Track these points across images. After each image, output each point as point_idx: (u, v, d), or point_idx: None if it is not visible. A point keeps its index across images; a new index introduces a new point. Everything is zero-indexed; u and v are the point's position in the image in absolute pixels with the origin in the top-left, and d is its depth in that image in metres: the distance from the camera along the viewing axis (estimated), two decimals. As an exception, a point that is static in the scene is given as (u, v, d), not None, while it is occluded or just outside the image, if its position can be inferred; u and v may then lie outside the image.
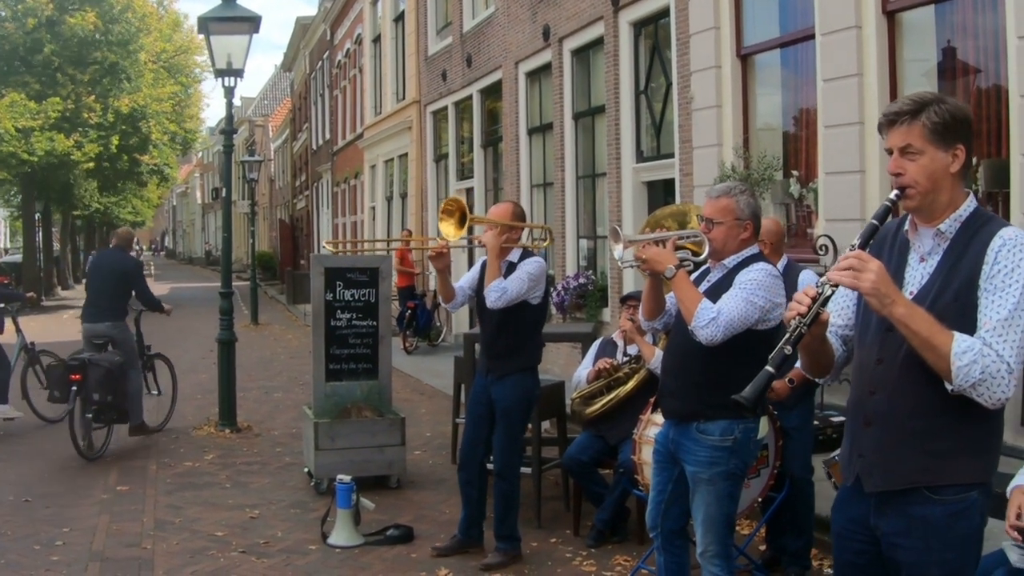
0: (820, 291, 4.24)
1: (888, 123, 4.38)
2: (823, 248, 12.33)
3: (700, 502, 6.60)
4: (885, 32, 11.91)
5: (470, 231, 9.37)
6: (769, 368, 4.28)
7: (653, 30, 17.73)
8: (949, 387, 4.12)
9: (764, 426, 6.92)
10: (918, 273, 4.42)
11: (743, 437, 6.56)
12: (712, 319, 6.28)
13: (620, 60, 18.18)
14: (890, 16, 11.91)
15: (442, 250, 9.13)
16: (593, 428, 9.98)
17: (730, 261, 6.70)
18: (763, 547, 9.25)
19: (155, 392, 16.49)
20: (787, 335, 4.26)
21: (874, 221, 4.35)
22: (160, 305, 15.89)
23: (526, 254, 9.36)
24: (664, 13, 16.85)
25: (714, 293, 6.57)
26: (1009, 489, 6.25)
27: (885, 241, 4.60)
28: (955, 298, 4.22)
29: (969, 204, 4.37)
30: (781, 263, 8.44)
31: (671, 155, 16.65)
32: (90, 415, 13.96)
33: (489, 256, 9.07)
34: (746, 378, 6.22)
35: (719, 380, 6.42)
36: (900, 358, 4.29)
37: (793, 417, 8.43)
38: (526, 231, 9.78)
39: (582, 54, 20.32)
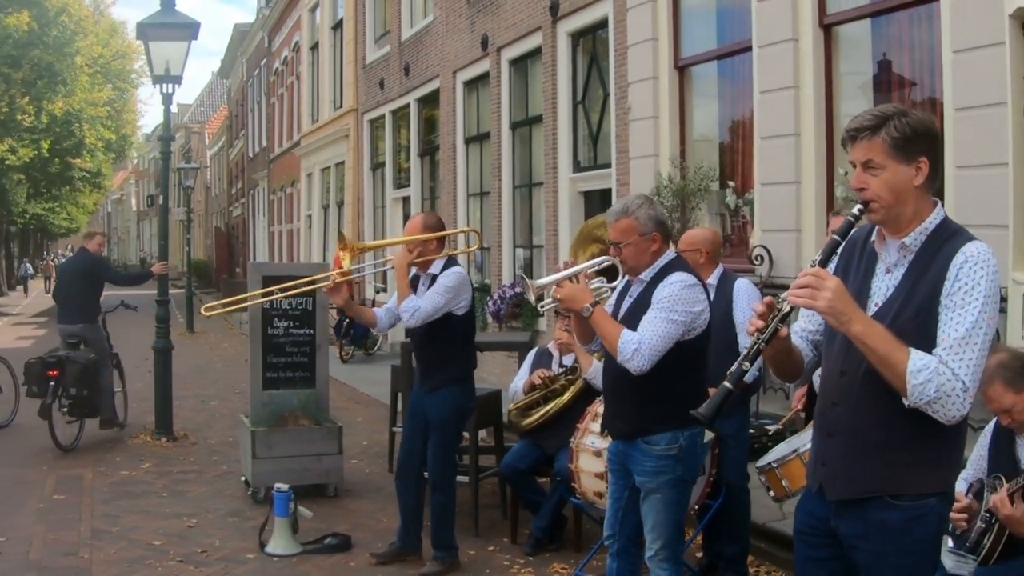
0: (779, 307, 4.29)
1: (850, 138, 4.39)
2: (759, 258, 12.44)
3: (650, 509, 6.64)
4: (822, 45, 12.06)
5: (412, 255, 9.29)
6: (727, 384, 4.33)
7: (591, 41, 17.82)
8: (906, 402, 4.15)
9: (708, 432, 6.97)
10: (884, 284, 4.44)
11: (688, 444, 6.58)
12: (635, 350, 6.28)
13: (558, 70, 18.25)
14: (827, 29, 12.06)
15: (333, 286, 9.13)
16: (530, 437, 10.00)
17: (647, 275, 6.70)
18: (700, 554, 9.29)
19: (118, 389, 16.46)
20: (746, 351, 4.32)
21: (836, 237, 4.38)
22: (142, 275, 17.32)
23: (450, 263, 9.30)
24: (602, 24, 16.94)
25: (637, 309, 6.61)
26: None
27: (855, 248, 4.63)
28: (916, 313, 4.26)
29: (936, 216, 4.41)
30: (717, 273, 8.51)
31: (608, 165, 16.75)
32: (65, 409, 14.56)
33: (397, 275, 9.02)
34: (683, 389, 6.36)
35: (657, 396, 6.48)
36: (862, 372, 4.31)
37: (729, 425, 8.47)
38: (461, 237, 9.81)
39: (520, 64, 20.38)
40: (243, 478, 12.39)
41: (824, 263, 4.31)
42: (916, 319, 4.24)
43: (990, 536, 5.91)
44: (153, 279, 16.72)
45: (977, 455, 6.43)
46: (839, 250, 4.56)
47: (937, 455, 4.35)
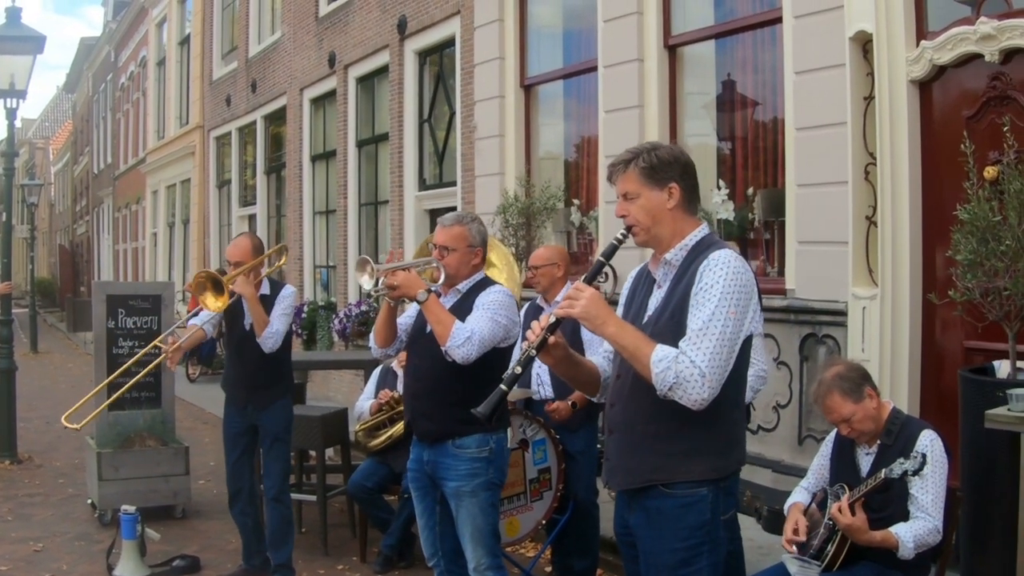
0: (551, 320, 4.66)
1: (611, 175, 4.87)
2: (604, 275, 12.55)
3: (466, 516, 6.76)
4: (666, 65, 12.25)
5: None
6: (503, 386, 4.73)
7: (438, 59, 17.89)
8: (658, 393, 4.49)
9: (510, 434, 7.16)
10: (655, 298, 4.86)
11: (498, 447, 6.82)
12: (467, 338, 6.49)
13: (405, 88, 18.30)
14: (671, 50, 12.25)
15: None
16: (378, 455, 10.02)
17: (463, 286, 6.94)
18: (549, 568, 9.38)
19: None
20: (518, 356, 4.80)
21: (601, 258, 4.83)
22: None
23: (273, 282, 9.30)
24: (449, 43, 17.02)
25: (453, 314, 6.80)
26: (787, 506, 6.58)
27: (643, 273, 5.05)
28: (671, 316, 4.67)
29: (696, 233, 4.82)
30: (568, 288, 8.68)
31: (454, 183, 16.82)
32: None
33: (251, 305, 8.87)
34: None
35: (470, 397, 6.58)
36: (632, 374, 4.66)
37: (577, 440, 8.62)
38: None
39: (367, 82, 20.43)
40: (90, 501, 12.22)
41: (589, 280, 4.75)
42: (671, 320, 4.64)
43: (833, 543, 6.12)
44: None
45: (818, 464, 6.64)
46: (634, 277, 5.12)
47: (706, 445, 4.69)
